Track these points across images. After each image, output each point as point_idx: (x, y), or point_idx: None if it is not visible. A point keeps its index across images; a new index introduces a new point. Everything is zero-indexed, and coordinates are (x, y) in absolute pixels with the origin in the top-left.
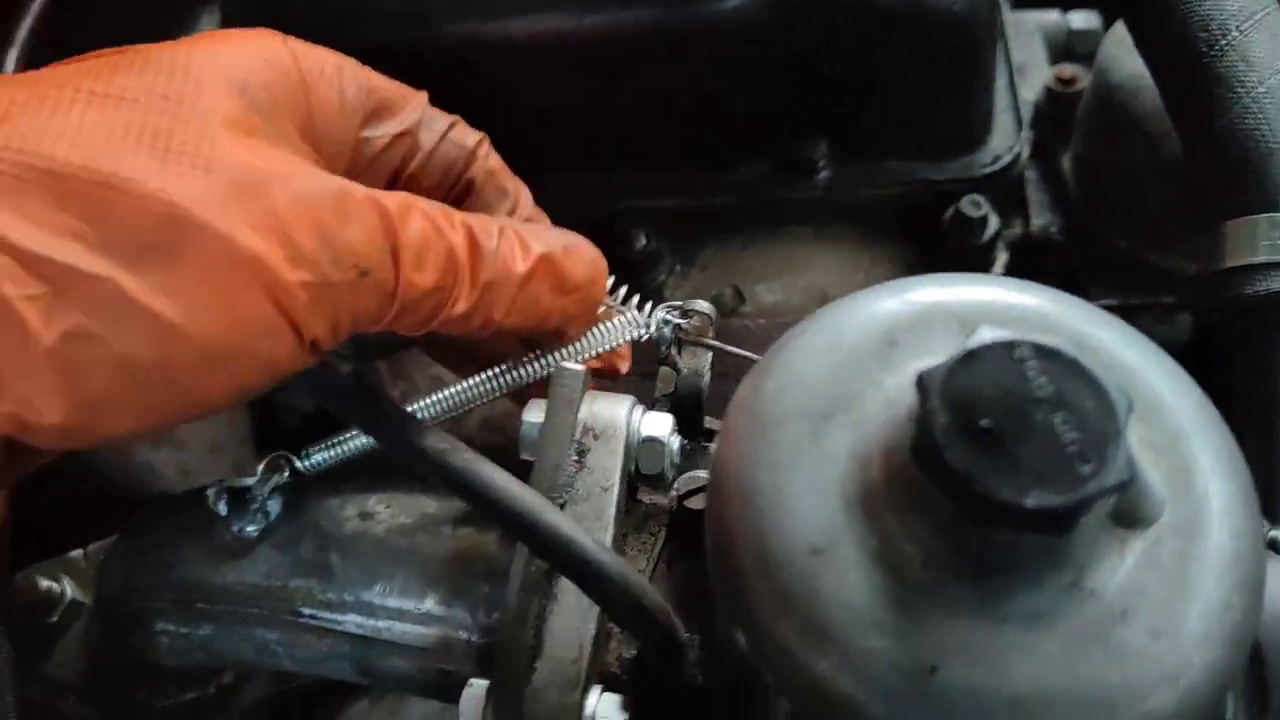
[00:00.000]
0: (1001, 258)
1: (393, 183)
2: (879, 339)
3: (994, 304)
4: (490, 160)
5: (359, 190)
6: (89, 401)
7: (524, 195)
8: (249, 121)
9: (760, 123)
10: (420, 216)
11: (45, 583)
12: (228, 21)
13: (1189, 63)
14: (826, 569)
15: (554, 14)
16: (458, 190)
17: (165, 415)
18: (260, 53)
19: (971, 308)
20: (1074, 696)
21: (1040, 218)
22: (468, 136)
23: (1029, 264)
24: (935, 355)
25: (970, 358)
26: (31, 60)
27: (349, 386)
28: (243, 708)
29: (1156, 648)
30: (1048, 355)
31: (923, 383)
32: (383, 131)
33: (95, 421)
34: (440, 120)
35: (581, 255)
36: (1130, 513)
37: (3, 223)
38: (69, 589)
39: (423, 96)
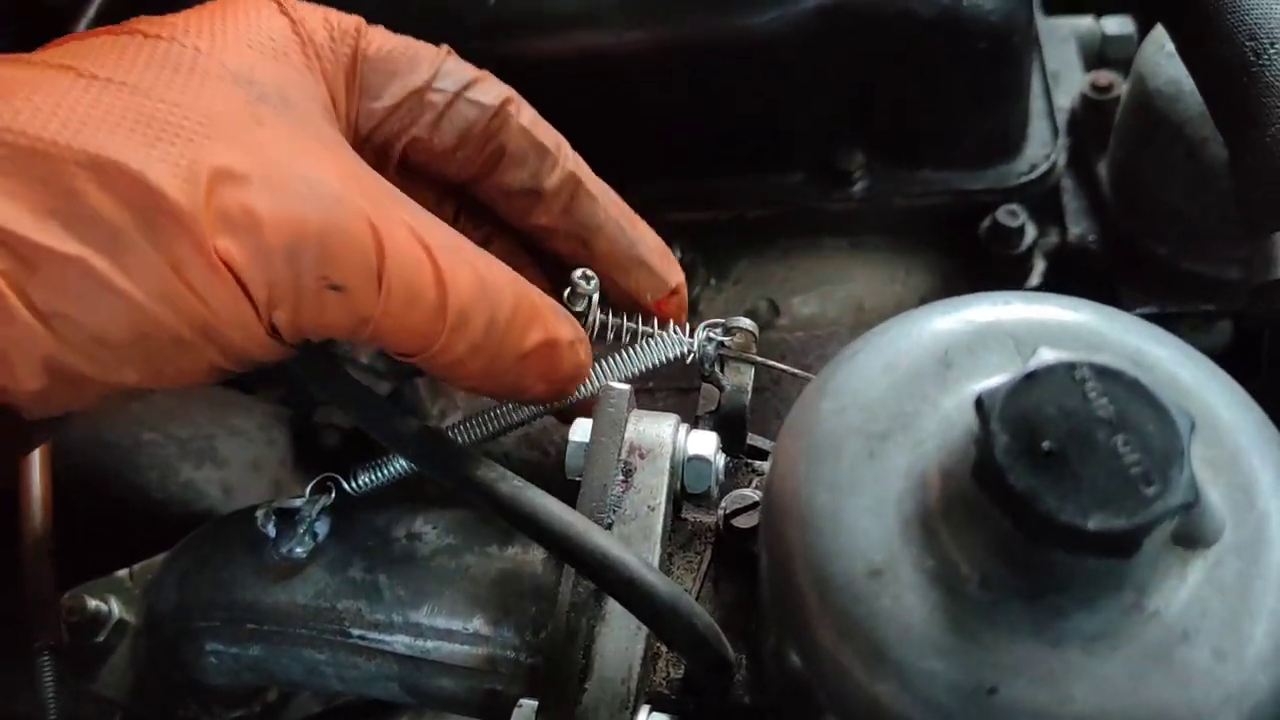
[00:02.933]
0: (1039, 267)
1: (396, 149)
2: (935, 359)
3: (1049, 322)
4: (522, 118)
5: (360, 204)
6: (64, 374)
7: (564, 150)
8: (256, 113)
9: (796, 133)
10: (422, 252)
11: (93, 603)
12: None
13: (1235, 72)
14: (885, 590)
15: (595, 30)
16: (486, 155)
17: (141, 385)
18: (266, 42)
19: (1026, 326)
20: (1137, 719)
21: (1077, 226)
22: (489, 94)
23: (1066, 272)
24: (991, 375)
25: (1031, 379)
26: None
27: (399, 419)
28: None
29: (1220, 669)
30: (1109, 376)
31: (983, 404)
32: (382, 102)
33: (74, 392)
34: (457, 77)
35: (577, 353)
36: (1191, 533)
37: None
38: (115, 608)
39: (436, 54)
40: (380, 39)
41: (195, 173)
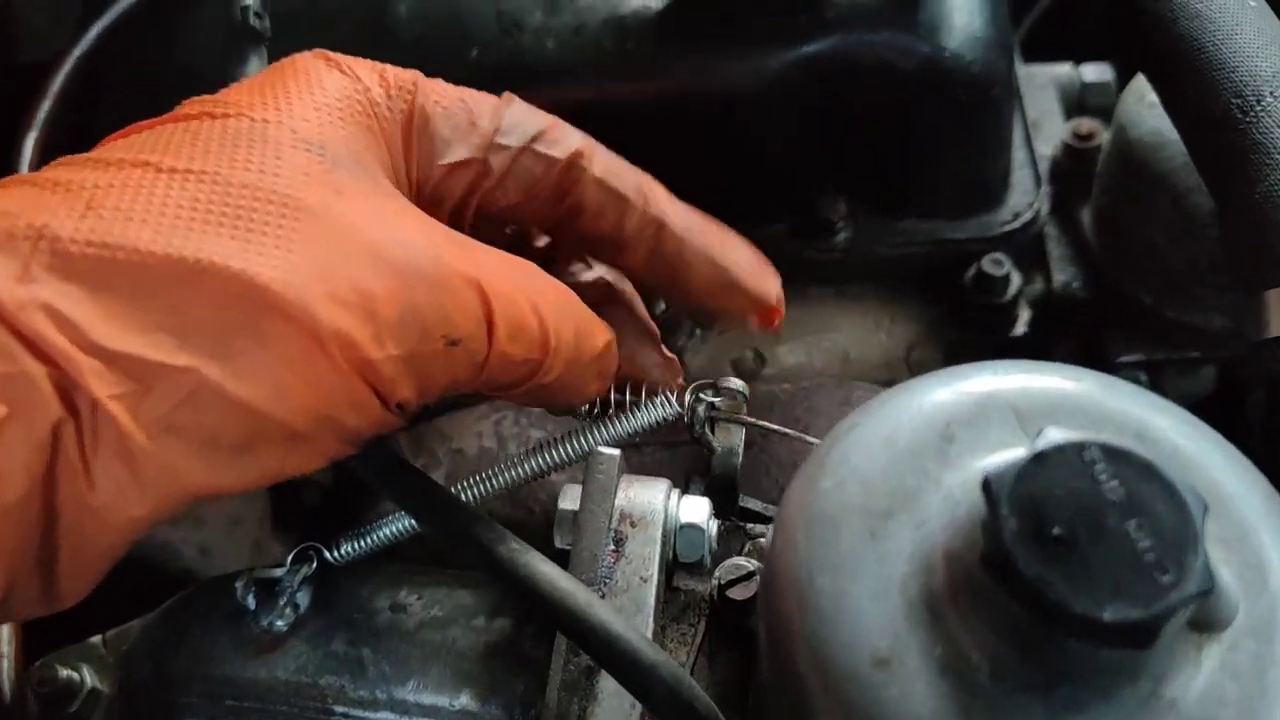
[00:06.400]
0: (1024, 315)
1: (466, 210)
2: (936, 433)
3: (1050, 394)
4: (594, 168)
5: (453, 258)
6: (173, 495)
7: (645, 193)
8: (334, 182)
9: (778, 184)
10: (513, 285)
11: (64, 672)
12: None
13: (1222, 128)
14: (892, 679)
15: (576, 82)
16: (562, 210)
17: (242, 488)
18: (331, 103)
19: (1027, 398)
20: None
21: (1062, 274)
22: (558, 146)
23: (1051, 321)
24: (993, 450)
25: (1039, 460)
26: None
27: (397, 471)
28: None
29: None
30: (1118, 457)
31: (990, 487)
32: (444, 160)
33: (174, 508)
34: (523, 129)
35: (613, 347)
36: (1206, 617)
37: (87, 323)
38: (88, 678)
39: (498, 104)
40: (439, 93)
41: (293, 262)
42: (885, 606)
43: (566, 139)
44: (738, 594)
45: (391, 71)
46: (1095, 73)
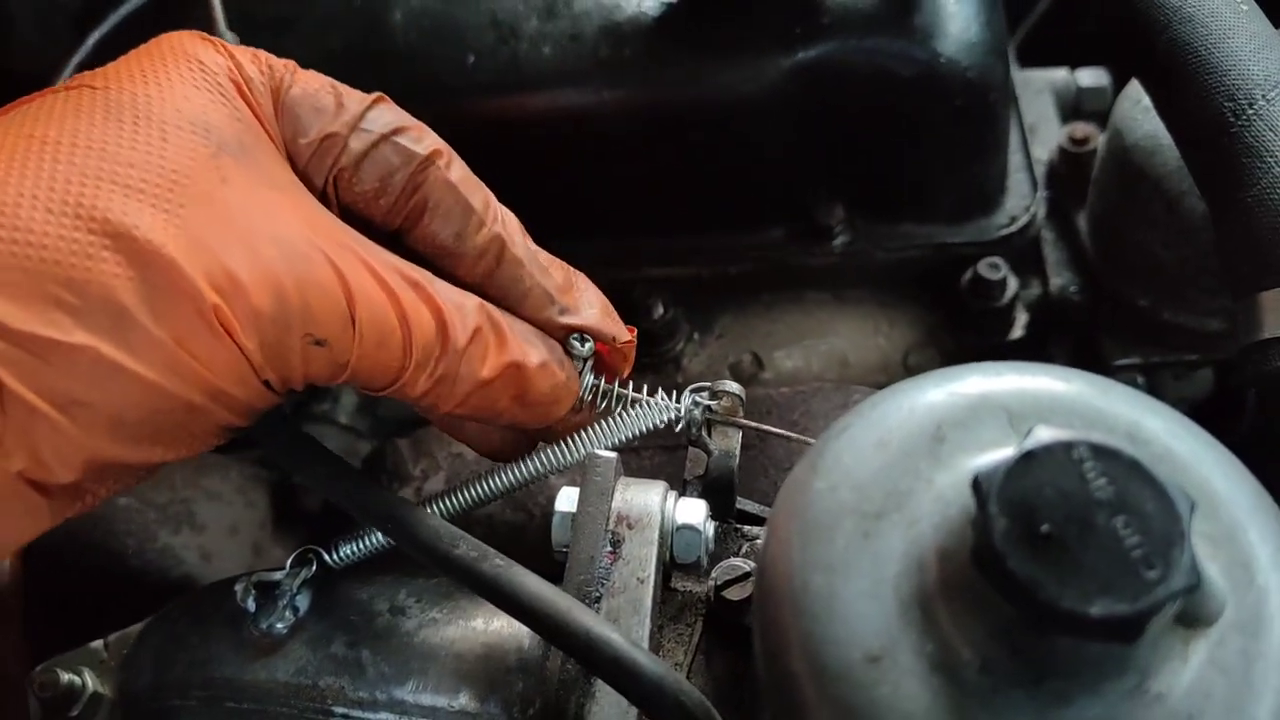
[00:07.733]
0: (1021, 319)
1: (328, 191)
2: (927, 434)
3: (1041, 394)
4: (450, 173)
5: (328, 257)
6: (94, 461)
7: (491, 210)
8: (219, 167)
9: (777, 189)
10: (385, 294)
11: (66, 676)
12: None
13: (1214, 133)
14: (884, 677)
15: (573, 89)
16: (411, 207)
17: (162, 460)
18: (211, 84)
19: (1019, 399)
20: None
21: (1058, 277)
22: (418, 143)
23: (1048, 324)
24: (985, 450)
25: (1028, 459)
26: None
27: (374, 494)
28: None
29: None
30: (1106, 455)
31: (980, 485)
32: (308, 139)
33: (101, 478)
34: (386, 121)
35: (552, 374)
36: (1193, 612)
37: None
38: (90, 681)
39: (365, 98)
40: (308, 78)
41: (182, 246)
42: (878, 605)
43: (427, 139)
44: (734, 594)
45: (266, 55)
46: (1091, 78)
